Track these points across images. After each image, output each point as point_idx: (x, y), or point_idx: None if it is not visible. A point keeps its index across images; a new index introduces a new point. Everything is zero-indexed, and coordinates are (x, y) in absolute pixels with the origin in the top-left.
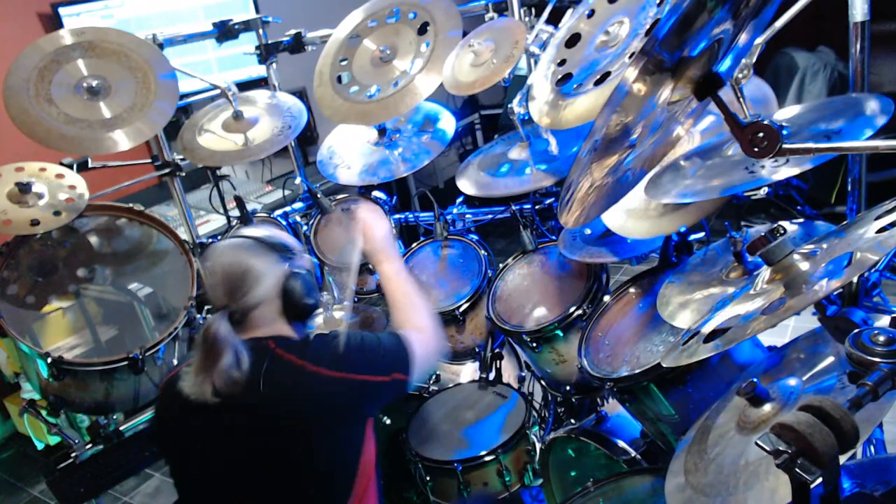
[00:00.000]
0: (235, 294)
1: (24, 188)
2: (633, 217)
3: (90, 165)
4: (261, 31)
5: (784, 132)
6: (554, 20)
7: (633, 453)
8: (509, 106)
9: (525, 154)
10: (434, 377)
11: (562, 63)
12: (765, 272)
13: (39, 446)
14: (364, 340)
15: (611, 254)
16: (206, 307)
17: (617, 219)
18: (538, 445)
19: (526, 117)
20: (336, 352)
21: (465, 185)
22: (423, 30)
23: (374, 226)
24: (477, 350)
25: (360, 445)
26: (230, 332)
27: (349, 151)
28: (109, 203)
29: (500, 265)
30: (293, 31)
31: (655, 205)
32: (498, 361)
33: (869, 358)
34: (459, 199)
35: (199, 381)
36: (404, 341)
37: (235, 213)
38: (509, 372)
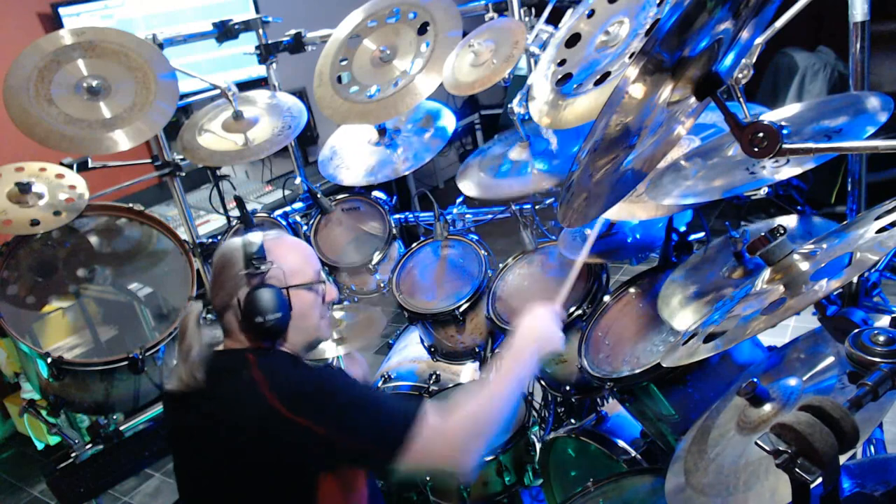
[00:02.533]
0: (211, 289)
1: (24, 188)
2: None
3: (90, 165)
4: (261, 31)
5: (784, 132)
6: (554, 20)
7: (633, 453)
8: (509, 106)
9: (525, 154)
10: (434, 377)
11: (562, 63)
12: (765, 272)
13: (39, 446)
14: (350, 393)
15: (610, 254)
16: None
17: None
18: (538, 445)
19: (526, 117)
20: (308, 393)
21: (467, 187)
22: (423, 30)
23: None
24: (477, 350)
25: (311, 495)
26: (195, 323)
27: (349, 151)
28: (109, 203)
29: (500, 265)
30: (293, 31)
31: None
32: (498, 361)
33: (869, 358)
34: (459, 199)
35: (175, 370)
36: (410, 420)
37: (235, 213)
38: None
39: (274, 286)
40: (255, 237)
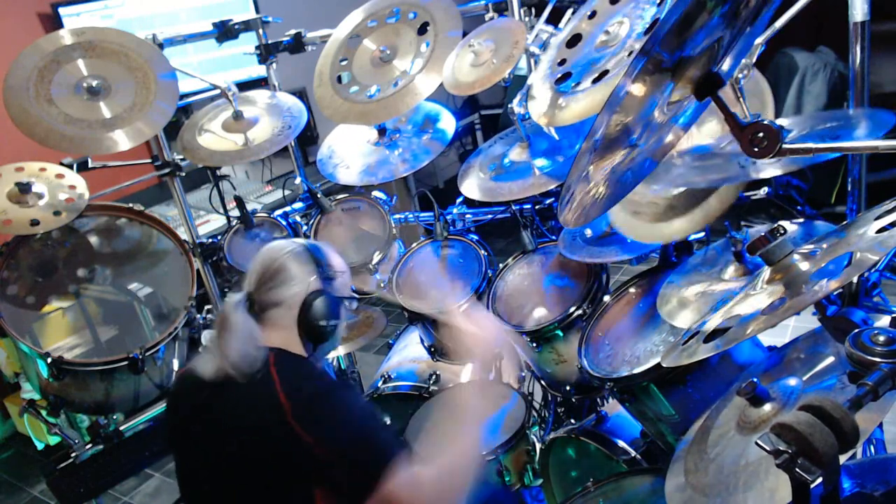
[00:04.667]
0: (263, 285)
1: (24, 188)
2: (638, 219)
3: (90, 165)
4: (261, 31)
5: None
6: (554, 20)
7: (633, 453)
8: (509, 106)
9: (526, 155)
10: (434, 377)
11: (562, 63)
12: (765, 272)
13: (39, 446)
14: (351, 413)
15: (611, 254)
16: (206, 307)
17: (622, 218)
18: (538, 445)
19: (526, 117)
20: (313, 399)
21: (469, 189)
22: (423, 30)
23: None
24: None
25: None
26: (245, 314)
27: (349, 151)
28: (109, 203)
29: (500, 265)
30: (293, 31)
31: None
32: (498, 361)
33: (869, 358)
34: (459, 199)
35: (210, 358)
36: (384, 467)
37: (235, 213)
38: (509, 372)
39: (336, 295)
40: (313, 244)
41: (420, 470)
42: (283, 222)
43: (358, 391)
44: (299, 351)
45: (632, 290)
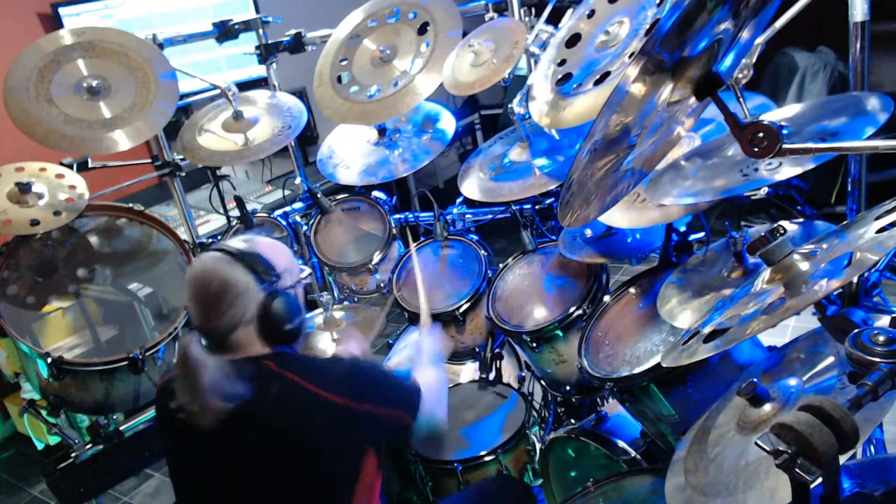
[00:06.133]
0: (210, 315)
1: (24, 188)
2: (621, 207)
3: (90, 165)
4: (261, 31)
5: (784, 132)
6: (554, 20)
7: (633, 453)
8: (509, 106)
9: (526, 155)
10: None
11: (562, 63)
12: (765, 272)
13: (39, 446)
14: (373, 370)
15: (611, 254)
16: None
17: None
18: (538, 445)
19: (526, 117)
20: (342, 376)
21: (469, 189)
22: (423, 30)
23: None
24: (477, 350)
25: (356, 471)
26: (202, 354)
27: (349, 151)
28: (109, 203)
29: (500, 265)
30: (293, 31)
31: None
32: (498, 361)
33: (869, 358)
34: (459, 199)
35: (189, 404)
36: (416, 385)
37: (235, 213)
38: (509, 372)
39: (285, 291)
40: (239, 248)
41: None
42: (283, 222)
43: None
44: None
45: (632, 290)
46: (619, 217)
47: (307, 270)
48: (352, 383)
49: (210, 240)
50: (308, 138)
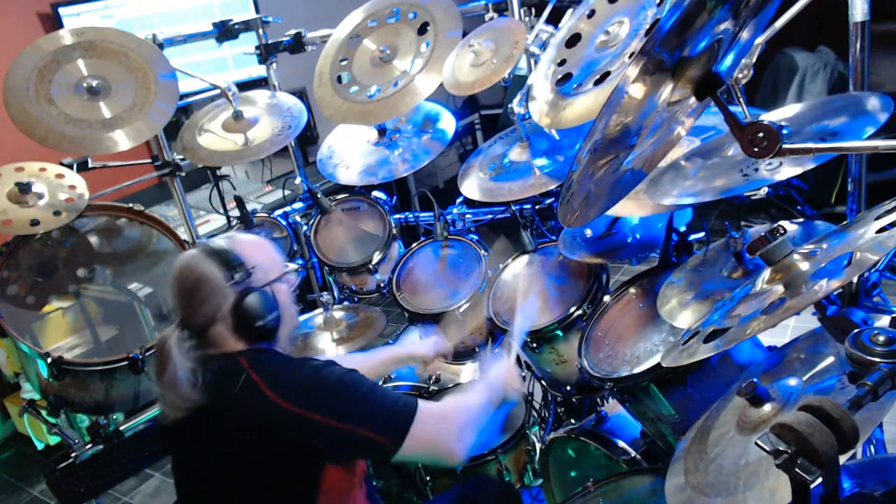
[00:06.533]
0: (187, 309)
1: (24, 188)
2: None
3: (90, 165)
4: (261, 31)
5: (784, 132)
6: (554, 20)
7: (633, 453)
8: (509, 106)
9: (526, 155)
10: (434, 377)
11: (562, 63)
12: (765, 272)
13: (39, 446)
14: (350, 384)
15: (610, 254)
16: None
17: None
18: (538, 445)
19: (526, 117)
20: (308, 386)
21: (469, 189)
22: (423, 30)
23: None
24: (477, 350)
25: (313, 482)
26: (177, 347)
27: (349, 151)
28: (109, 203)
29: (500, 265)
30: (293, 31)
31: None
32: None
33: (869, 358)
34: (459, 199)
35: (162, 394)
36: (411, 408)
37: (235, 213)
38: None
39: (259, 287)
40: (218, 245)
41: (439, 408)
42: (283, 222)
43: (338, 363)
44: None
45: (632, 290)
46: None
47: (292, 266)
48: (317, 395)
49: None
50: (308, 138)
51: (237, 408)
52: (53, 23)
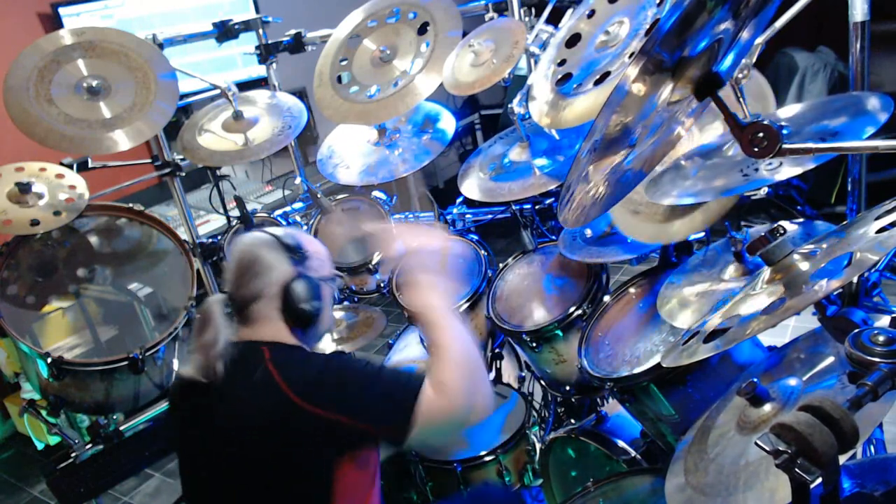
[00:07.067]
0: (239, 282)
1: (24, 188)
2: (638, 218)
3: (90, 165)
4: (261, 31)
5: (784, 132)
6: (554, 20)
7: (633, 453)
8: (509, 106)
9: (526, 155)
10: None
11: (562, 63)
12: (765, 272)
13: (39, 446)
14: (355, 375)
15: (611, 254)
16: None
17: (622, 217)
18: (538, 445)
19: (526, 117)
20: (318, 379)
21: (469, 190)
22: (423, 30)
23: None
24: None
25: (327, 478)
26: (220, 315)
27: (349, 151)
28: (109, 203)
29: (500, 265)
30: (293, 31)
31: (661, 208)
32: (498, 361)
33: (869, 358)
34: (459, 199)
35: (192, 358)
36: (416, 388)
37: (235, 213)
38: (509, 372)
39: (314, 276)
40: (280, 231)
41: (434, 380)
42: (283, 222)
43: (351, 355)
44: (290, 341)
45: (632, 290)
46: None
47: (340, 273)
48: (326, 390)
49: (210, 240)
50: (308, 138)
51: (249, 396)
52: (53, 23)
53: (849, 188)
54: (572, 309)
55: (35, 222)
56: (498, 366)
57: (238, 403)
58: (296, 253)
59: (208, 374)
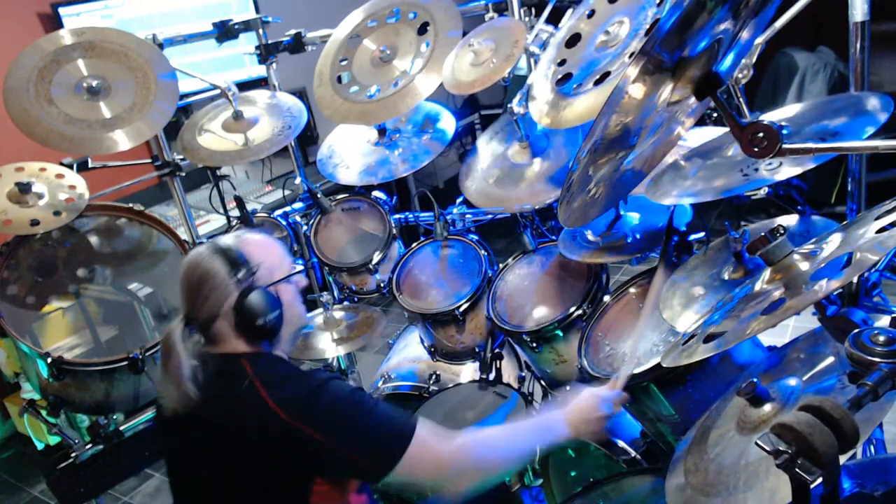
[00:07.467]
0: (192, 303)
1: (24, 188)
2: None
3: (90, 165)
4: (261, 31)
5: (784, 132)
6: (554, 20)
7: (633, 453)
8: (509, 106)
9: (526, 155)
10: (434, 377)
11: (562, 63)
12: (765, 272)
13: (39, 446)
14: (349, 402)
15: (610, 254)
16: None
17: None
18: None
19: (526, 117)
20: (308, 399)
21: (470, 193)
22: (423, 30)
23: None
24: (477, 350)
25: (303, 492)
26: (181, 342)
27: (349, 151)
28: (109, 203)
29: (500, 265)
30: (293, 31)
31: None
32: (498, 361)
33: (869, 358)
34: (459, 199)
35: (164, 389)
36: (406, 436)
37: (235, 213)
38: (509, 372)
39: (263, 286)
40: (225, 243)
41: (442, 439)
42: (283, 222)
43: (341, 378)
44: (265, 351)
45: (632, 290)
46: None
47: (298, 267)
48: (317, 410)
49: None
50: (308, 138)
51: (234, 411)
52: (53, 23)
53: (849, 188)
54: (572, 309)
55: (35, 222)
56: (498, 366)
57: (223, 417)
58: (241, 267)
59: (186, 403)
